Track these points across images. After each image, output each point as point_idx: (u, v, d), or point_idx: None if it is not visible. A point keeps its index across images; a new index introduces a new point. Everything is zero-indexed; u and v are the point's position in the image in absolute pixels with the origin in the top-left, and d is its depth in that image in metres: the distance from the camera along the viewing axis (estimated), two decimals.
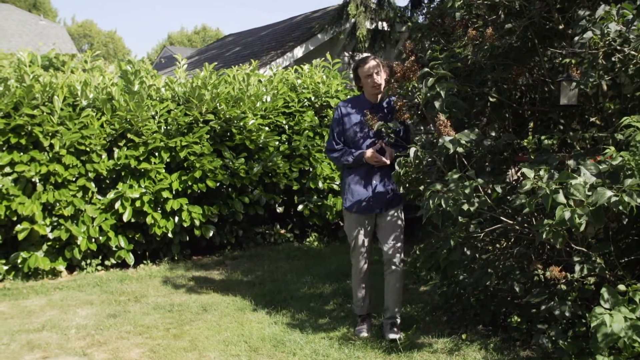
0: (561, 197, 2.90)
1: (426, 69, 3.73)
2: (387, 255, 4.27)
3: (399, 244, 4.27)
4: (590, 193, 2.86)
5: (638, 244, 3.49)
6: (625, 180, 2.86)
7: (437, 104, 3.67)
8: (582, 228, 2.86)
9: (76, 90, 6.24)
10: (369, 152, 4.15)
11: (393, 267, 4.27)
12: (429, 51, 4.14)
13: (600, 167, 3.03)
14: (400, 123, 4.13)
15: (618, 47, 3.07)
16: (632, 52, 3.04)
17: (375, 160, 4.14)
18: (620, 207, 2.78)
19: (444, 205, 3.39)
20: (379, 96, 4.27)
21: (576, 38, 3.21)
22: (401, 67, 3.89)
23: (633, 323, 2.85)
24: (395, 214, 4.30)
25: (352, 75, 4.45)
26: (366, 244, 4.34)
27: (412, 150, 3.69)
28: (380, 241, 4.34)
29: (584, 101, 3.79)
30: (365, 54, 4.33)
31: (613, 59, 3.17)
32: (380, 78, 4.19)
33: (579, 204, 2.90)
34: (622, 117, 3.64)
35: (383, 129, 4.09)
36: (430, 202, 3.45)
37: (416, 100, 3.81)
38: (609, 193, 2.82)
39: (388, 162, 4.12)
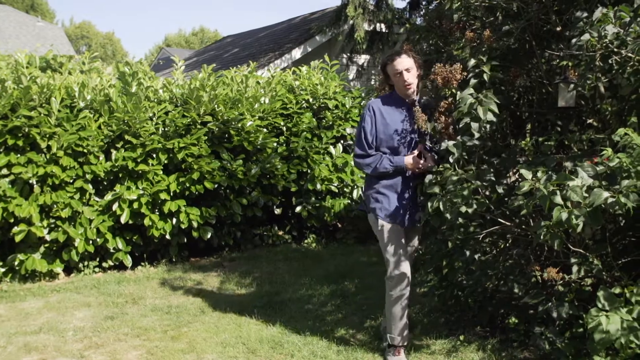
0: (558, 199, 2.90)
1: (473, 80, 3.51)
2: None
3: (414, 258, 4.04)
4: (587, 194, 2.87)
5: (635, 245, 3.49)
6: (622, 181, 2.86)
7: (474, 125, 3.45)
8: (579, 229, 2.86)
9: (74, 92, 6.24)
10: (410, 158, 3.72)
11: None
12: (427, 53, 4.15)
13: (598, 169, 3.03)
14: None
15: (615, 49, 3.07)
16: (629, 54, 3.05)
17: (419, 167, 3.71)
18: (617, 208, 2.79)
19: (442, 209, 3.40)
20: (413, 95, 3.82)
21: (573, 40, 3.21)
22: (445, 70, 3.56)
23: (630, 324, 2.86)
24: (420, 227, 3.98)
25: (377, 74, 4.10)
26: (409, 262, 3.83)
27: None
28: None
29: (582, 103, 3.79)
30: (396, 49, 3.90)
31: (610, 61, 3.18)
32: (412, 76, 3.75)
33: (576, 205, 2.91)
34: (619, 119, 3.65)
35: (429, 130, 3.66)
36: (429, 204, 3.46)
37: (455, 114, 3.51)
38: (605, 194, 2.82)
39: (433, 167, 3.64)
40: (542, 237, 3.02)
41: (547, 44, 3.94)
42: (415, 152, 3.74)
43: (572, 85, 3.40)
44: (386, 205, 3.80)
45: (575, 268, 3.40)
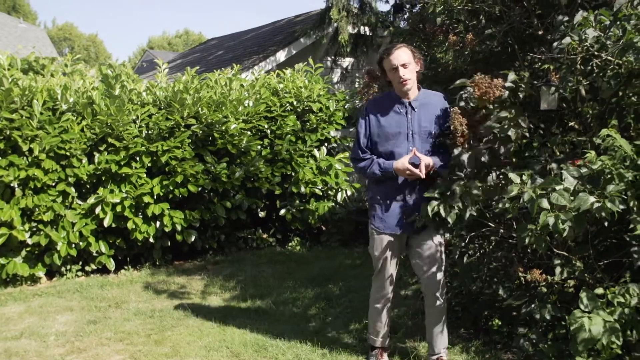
0: (545, 203, 2.92)
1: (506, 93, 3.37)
2: (428, 287, 3.67)
3: (440, 274, 3.64)
4: (572, 198, 2.89)
5: (616, 247, 3.52)
6: (608, 186, 2.90)
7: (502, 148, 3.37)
8: (565, 233, 2.89)
9: (56, 94, 6.19)
10: (399, 164, 3.47)
11: (436, 302, 3.67)
12: None
13: (582, 172, 3.06)
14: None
15: (596, 53, 3.10)
16: (609, 58, 3.08)
17: (408, 173, 3.45)
18: (603, 213, 2.83)
19: (443, 214, 3.33)
20: (410, 92, 3.55)
21: (555, 43, 3.24)
22: (485, 82, 3.30)
23: (611, 325, 2.88)
24: (434, 237, 3.61)
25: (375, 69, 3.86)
26: (394, 269, 3.72)
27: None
28: (415, 270, 3.73)
29: (563, 106, 3.83)
30: (397, 44, 3.57)
31: (591, 64, 3.21)
32: (409, 71, 3.49)
33: (561, 209, 2.93)
34: (600, 121, 3.69)
35: (416, 133, 3.50)
36: (429, 209, 3.38)
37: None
38: (591, 199, 2.86)
39: (422, 175, 3.41)
40: (527, 240, 3.04)
41: (529, 47, 3.97)
42: (407, 156, 3.47)
43: (553, 88, 3.42)
44: (379, 212, 3.64)
45: (558, 270, 3.43)
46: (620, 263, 3.39)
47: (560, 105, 3.71)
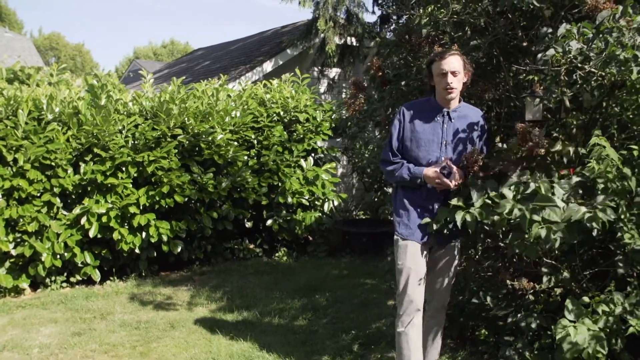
0: (537, 217, 2.96)
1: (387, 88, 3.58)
2: (437, 299, 3.59)
3: (450, 285, 3.59)
4: (563, 211, 2.94)
5: (602, 256, 3.55)
6: (598, 196, 2.94)
7: None
8: (557, 244, 2.91)
9: (41, 104, 6.15)
10: (430, 171, 3.34)
11: (439, 315, 3.64)
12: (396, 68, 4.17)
13: (576, 180, 3.09)
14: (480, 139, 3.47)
15: (579, 65, 3.14)
16: (593, 70, 3.12)
17: (437, 182, 3.33)
18: (594, 224, 2.87)
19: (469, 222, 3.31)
20: (452, 101, 3.44)
21: (539, 55, 3.27)
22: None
23: (596, 334, 2.90)
24: (455, 247, 3.56)
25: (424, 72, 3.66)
26: (422, 282, 3.44)
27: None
28: (430, 277, 3.54)
29: (548, 116, 3.86)
30: (451, 50, 3.42)
31: (574, 75, 3.24)
32: (457, 80, 3.36)
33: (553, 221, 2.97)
34: (584, 132, 3.72)
35: (449, 144, 3.40)
36: (458, 217, 3.33)
37: (378, 118, 3.62)
38: (583, 209, 2.90)
39: (452, 185, 3.32)
40: (517, 250, 3.07)
41: (514, 58, 4.01)
42: (439, 164, 3.36)
43: (538, 99, 3.46)
44: (405, 219, 3.47)
45: (545, 278, 3.46)
46: (605, 272, 3.42)
47: (545, 115, 3.75)
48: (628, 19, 3.05)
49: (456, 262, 3.56)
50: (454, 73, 3.33)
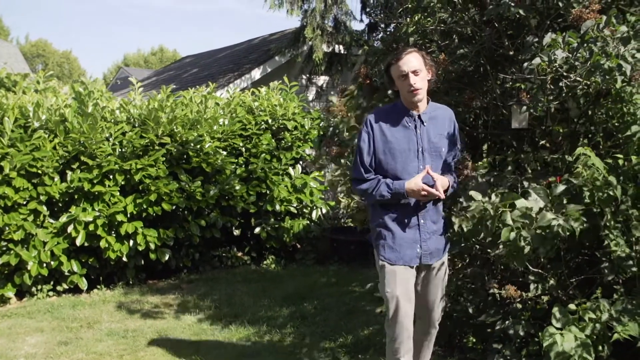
0: (509, 219, 2.97)
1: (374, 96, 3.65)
2: (431, 316, 3.37)
3: (443, 301, 3.39)
4: (536, 216, 2.96)
5: (588, 264, 3.58)
6: (568, 205, 2.97)
7: None
8: (525, 250, 2.93)
9: (28, 112, 6.11)
10: (412, 184, 3.04)
11: (431, 330, 3.43)
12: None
13: (558, 189, 3.11)
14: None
15: (565, 73, 3.17)
16: (578, 78, 3.15)
17: (423, 194, 3.04)
18: (561, 231, 2.89)
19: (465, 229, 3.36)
20: (420, 103, 3.14)
21: (525, 64, 3.30)
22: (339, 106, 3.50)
23: (583, 341, 2.92)
24: (445, 262, 3.32)
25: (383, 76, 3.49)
26: (411, 308, 3.18)
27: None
28: (419, 296, 3.29)
29: (534, 124, 3.89)
30: (407, 49, 3.16)
31: (560, 84, 3.28)
32: (420, 79, 3.07)
33: (524, 226, 2.99)
34: (570, 140, 3.76)
35: (426, 150, 3.14)
36: (464, 226, 3.37)
37: None
38: (549, 216, 2.92)
39: (442, 195, 3.05)
40: (506, 258, 3.09)
41: (501, 67, 4.04)
42: (419, 175, 3.07)
43: (524, 108, 3.49)
44: (390, 242, 3.14)
45: (532, 286, 3.48)
46: (592, 279, 3.44)
47: (531, 124, 3.78)
48: (612, 28, 3.09)
49: (446, 277, 3.34)
50: (415, 72, 3.04)
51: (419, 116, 3.15)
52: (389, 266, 3.13)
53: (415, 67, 3.04)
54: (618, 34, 3.05)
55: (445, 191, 3.11)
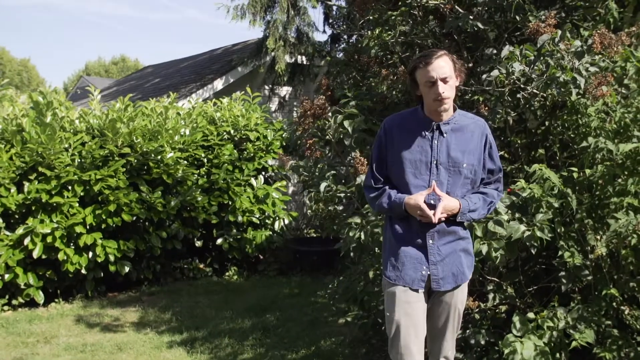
0: (478, 232, 3.03)
1: (335, 107, 3.72)
2: (440, 350, 2.89)
3: (455, 336, 2.90)
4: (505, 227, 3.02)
5: (545, 272, 3.64)
6: (537, 215, 3.03)
7: (346, 141, 3.65)
8: (498, 261, 2.98)
9: None
10: (412, 200, 2.68)
11: None
12: (345, 87, 4.21)
13: (513, 200, 3.18)
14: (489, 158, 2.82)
15: (522, 86, 3.24)
16: (535, 91, 3.22)
17: (419, 213, 2.66)
18: (532, 241, 2.96)
19: (362, 238, 3.44)
20: (444, 113, 2.73)
21: (484, 76, 3.37)
22: (311, 105, 3.67)
23: (542, 349, 2.97)
24: (463, 290, 2.84)
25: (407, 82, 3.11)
26: (415, 335, 2.73)
27: (322, 186, 3.68)
28: (428, 325, 2.84)
29: (493, 136, 3.96)
30: (436, 51, 2.72)
31: (518, 96, 3.35)
32: (449, 88, 2.66)
33: (493, 237, 3.04)
34: (528, 151, 3.83)
35: (442, 164, 2.73)
36: (350, 234, 3.49)
37: (327, 137, 3.71)
38: (522, 228, 2.99)
39: (435, 220, 2.63)
40: None
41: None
42: (424, 192, 2.69)
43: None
44: (392, 258, 2.78)
45: (490, 296, 3.52)
46: (549, 288, 3.51)
47: None
48: (567, 42, 3.17)
49: (462, 306, 2.85)
50: (444, 80, 2.64)
51: (439, 126, 2.75)
52: (389, 286, 2.79)
53: (446, 73, 2.64)
54: (572, 48, 3.13)
55: (454, 216, 2.70)
